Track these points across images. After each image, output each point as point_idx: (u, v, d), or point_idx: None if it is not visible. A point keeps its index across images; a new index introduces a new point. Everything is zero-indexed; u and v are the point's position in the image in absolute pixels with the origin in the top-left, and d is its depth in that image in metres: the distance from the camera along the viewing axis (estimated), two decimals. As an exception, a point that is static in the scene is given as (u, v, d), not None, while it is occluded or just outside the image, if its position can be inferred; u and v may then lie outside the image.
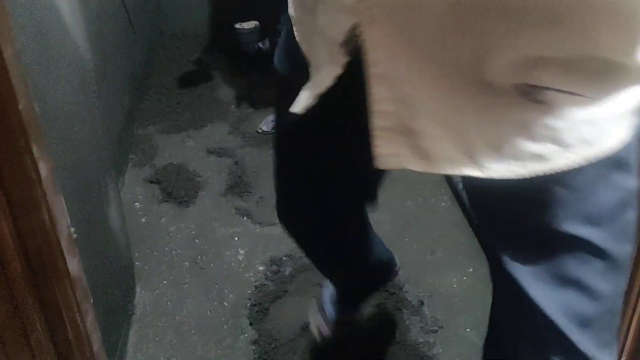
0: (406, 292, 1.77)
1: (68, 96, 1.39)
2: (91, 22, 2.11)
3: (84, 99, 1.47)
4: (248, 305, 1.75)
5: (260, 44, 3.33)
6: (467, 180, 0.80)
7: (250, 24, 3.37)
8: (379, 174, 1.22)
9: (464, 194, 2.01)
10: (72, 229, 0.76)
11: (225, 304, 1.77)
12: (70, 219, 0.78)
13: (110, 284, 1.53)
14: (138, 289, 1.82)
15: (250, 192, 2.24)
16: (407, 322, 1.66)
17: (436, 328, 1.64)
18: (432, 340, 1.61)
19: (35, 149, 0.66)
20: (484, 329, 1.63)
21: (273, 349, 1.58)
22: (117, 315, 1.58)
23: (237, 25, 3.39)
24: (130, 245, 1.84)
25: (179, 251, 1.98)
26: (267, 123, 2.63)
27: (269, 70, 3.01)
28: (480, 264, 1.87)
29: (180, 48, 3.48)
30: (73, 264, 0.73)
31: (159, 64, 3.30)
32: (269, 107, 2.83)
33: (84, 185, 1.41)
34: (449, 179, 2.20)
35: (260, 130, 2.61)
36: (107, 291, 1.49)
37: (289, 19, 0.93)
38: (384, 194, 2.19)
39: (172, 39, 3.57)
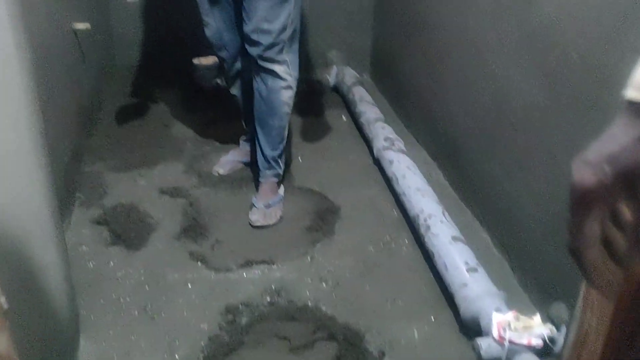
0: (367, 342, 1.70)
1: (9, 134, 1.30)
2: (37, 49, 2.01)
3: (21, 135, 1.37)
4: (200, 358, 1.64)
5: (218, 80, 3.27)
6: None
7: (209, 60, 3.31)
8: None
9: (425, 239, 1.98)
10: (3, 299, 0.67)
11: (176, 356, 1.66)
12: (3, 273, 0.69)
13: (51, 337, 1.41)
14: (82, 341, 1.70)
15: (205, 235, 2.15)
16: (368, 376, 1.59)
17: (399, 382, 1.58)
18: (394, 395, 1.54)
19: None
20: (448, 383, 1.59)
21: (227, 407, 1.49)
22: (56, 373, 1.45)
23: (195, 61, 3.33)
24: (75, 294, 1.71)
25: (128, 298, 1.87)
26: (222, 165, 2.55)
27: (227, 107, 2.97)
28: (441, 311, 1.82)
29: (133, 82, 3.38)
30: (2, 342, 0.64)
31: (110, 97, 3.20)
32: (227, 145, 2.76)
33: (21, 232, 1.31)
34: (410, 222, 2.16)
35: (216, 174, 2.53)
36: (45, 346, 1.37)
37: None
38: (345, 237, 2.15)
39: (125, 70, 3.47)
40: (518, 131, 1.86)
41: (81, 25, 2.52)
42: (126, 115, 3.05)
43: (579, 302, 0.91)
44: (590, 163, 0.52)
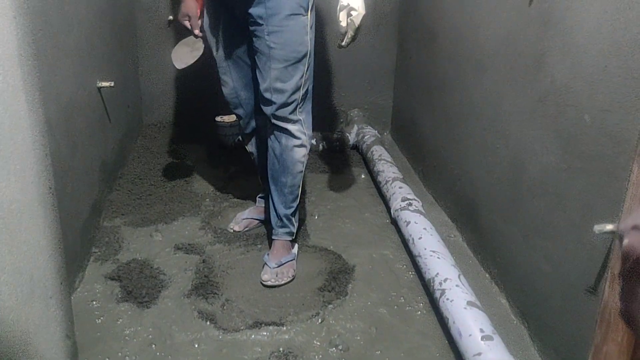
0: (376, 412, 1.62)
1: (16, 193, 1.31)
2: (62, 111, 2.06)
3: (36, 196, 1.39)
4: (202, 423, 1.59)
5: (239, 138, 3.31)
6: None
7: (231, 118, 3.37)
8: None
9: (440, 304, 1.91)
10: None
11: (177, 421, 1.61)
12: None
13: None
14: (83, 402, 1.66)
15: (216, 293, 2.12)
16: None
17: None
18: None
19: None
20: None
21: None
22: None
23: (218, 118, 3.39)
24: (78, 352, 1.69)
25: (133, 358, 1.83)
26: (238, 222, 2.54)
27: (247, 163, 2.99)
28: (456, 382, 1.74)
29: (157, 138, 3.44)
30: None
31: (133, 153, 3.25)
32: (245, 201, 2.76)
33: (27, 290, 1.30)
34: (425, 285, 2.10)
35: (231, 230, 2.52)
36: (42, 408, 1.34)
37: None
38: (358, 299, 2.10)
39: (150, 128, 3.55)
40: (535, 195, 1.82)
41: (105, 83, 2.59)
42: (149, 171, 3.08)
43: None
44: None
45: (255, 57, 2.08)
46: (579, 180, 1.58)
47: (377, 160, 3.01)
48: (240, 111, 2.32)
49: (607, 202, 1.46)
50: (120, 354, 1.85)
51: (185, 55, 2.41)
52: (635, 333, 0.55)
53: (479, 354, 1.66)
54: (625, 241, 0.51)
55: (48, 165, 1.48)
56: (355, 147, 3.37)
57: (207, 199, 2.83)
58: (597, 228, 1.43)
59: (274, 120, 2.12)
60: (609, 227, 1.41)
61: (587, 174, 1.54)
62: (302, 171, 2.23)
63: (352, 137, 3.40)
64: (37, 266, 1.37)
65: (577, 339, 1.60)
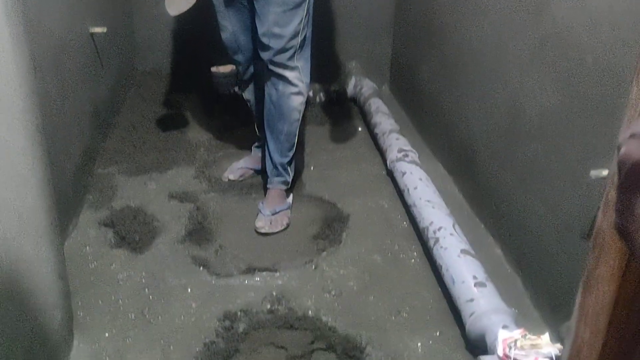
0: (367, 355, 1.63)
1: (2, 131, 1.28)
2: (51, 52, 2.02)
3: (23, 134, 1.36)
4: (194, 364, 1.60)
5: (235, 88, 3.26)
6: None
7: (227, 68, 3.31)
8: None
9: (434, 252, 1.91)
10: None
11: (170, 361, 1.62)
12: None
13: (38, 337, 1.38)
14: (75, 342, 1.67)
15: (209, 240, 2.11)
16: (365, 390, 1.52)
17: (396, 398, 1.51)
18: (391, 411, 1.47)
19: None
20: (448, 401, 1.52)
21: (216, 416, 1.43)
22: (43, 372, 1.42)
23: (213, 69, 3.33)
24: (70, 295, 1.69)
25: (126, 301, 1.83)
26: (233, 171, 2.52)
27: (242, 114, 2.95)
28: (447, 327, 1.75)
29: (151, 86, 3.39)
30: None
31: (127, 102, 3.20)
32: (240, 151, 2.74)
33: (15, 227, 1.28)
34: (420, 234, 2.09)
35: (226, 179, 2.50)
36: (32, 346, 1.34)
37: None
38: (352, 247, 2.09)
39: (144, 76, 3.49)
40: (533, 139, 1.79)
41: (98, 29, 2.53)
42: (143, 119, 3.04)
43: (574, 315, 0.84)
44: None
45: (254, 0, 2.03)
46: (578, 123, 1.55)
47: (374, 113, 2.97)
48: (239, 57, 2.27)
49: (605, 145, 1.43)
50: (113, 297, 1.85)
51: (179, 1, 2.34)
52: (630, 247, 0.53)
53: (472, 300, 1.67)
54: (622, 149, 0.49)
55: (35, 103, 1.45)
56: (353, 100, 3.32)
57: (201, 148, 2.80)
58: (594, 173, 1.41)
59: (271, 67, 2.08)
60: (605, 172, 1.39)
61: (586, 116, 1.51)
62: (298, 119, 2.19)
63: (349, 89, 3.35)
64: (25, 204, 1.35)
65: (571, 284, 1.60)
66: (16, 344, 1.26)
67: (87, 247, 2.08)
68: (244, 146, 2.75)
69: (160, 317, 1.77)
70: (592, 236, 0.77)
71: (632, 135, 0.49)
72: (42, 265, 1.44)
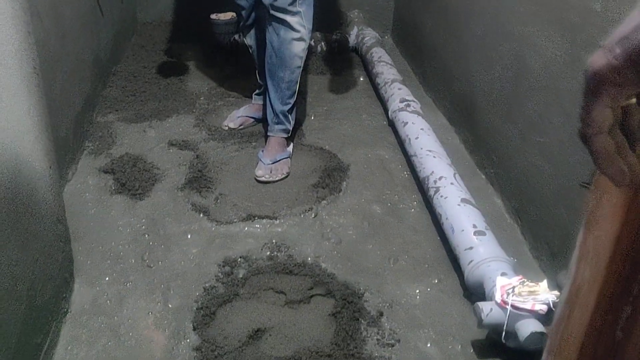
0: (365, 301, 1.64)
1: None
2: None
3: (19, 75, 1.33)
4: (194, 308, 1.61)
5: (236, 37, 3.21)
6: None
7: (227, 16, 3.25)
8: None
9: (434, 201, 1.91)
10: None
11: (170, 305, 1.63)
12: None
13: (39, 278, 1.39)
14: (76, 285, 1.68)
15: (209, 188, 2.11)
16: (363, 334, 1.54)
17: (394, 342, 1.52)
18: (388, 354, 1.48)
19: None
20: (445, 344, 1.54)
21: (215, 357, 1.45)
22: (45, 313, 1.43)
23: (213, 16, 3.27)
24: (71, 238, 1.69)
25: (126, 246, 1.84)
26: (233, 119, 2.50)
27: (242, 64, 2.91)
28: (446, 276, 1.76)
29: (152, 36, 3.34)
30: None
31: (128, 51, 3.16)
32: (240, 100, 2.71)
33: (12, 168, 1.27)
34: (420, 184, 2.09)
35: (226, 128, 2.48)
36: (33, 286, 1.35)
37: None
38: (352, 196, 2.09)
39: (145, 26, 3.44)
40: (536, 91, 1.77)
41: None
42: (143, 68, 3.01)
43: (574, 254, 0.84)
44: (605, 47, 0.50)
45: None
46: (581, 73, 1.52)
47: (376, 62, 2.92)
48: (241, 0, 2.22)
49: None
50: (113, 242, 1.86)
51: None
52: (592, 156, 0.55)
53: (471, 248, 1.67)
54: (590, 59, 0.51)
55: (31, 44, 1.42)
56: (355, 49, 3.27)
57: (201, 97, 2.77)
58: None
59: (272, 11, 2.03)
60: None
61: (591, 65, 1.48)
62: (300, 66, 2.16)
63: (351, 39, 3.30)
64: (22, 146, 1.34)
65: (569, 232, 1.60)
66: (18, 284, 1.26)
67: (87, 194, 2.08)
68: (244, 95, 2.72)
69: (160, 263, 1.78)
70: (595, 177, 0.76)
71: (603, 47, 0.49)
72: (40, 208, 1.44)
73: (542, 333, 1.39)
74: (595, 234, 0.77)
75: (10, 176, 1.26)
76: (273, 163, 2.16)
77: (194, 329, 1.55)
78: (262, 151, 2.22)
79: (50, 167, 1.51)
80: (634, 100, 0.54)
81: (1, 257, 1.19)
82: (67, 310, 1.59)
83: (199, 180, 2.13)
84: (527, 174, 1.84)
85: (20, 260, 1.28)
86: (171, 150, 2.34)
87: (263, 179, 2.13)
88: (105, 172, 2.19)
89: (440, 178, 1.95)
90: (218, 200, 2.05)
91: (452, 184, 1.92)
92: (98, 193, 2.08)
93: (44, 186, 1.46)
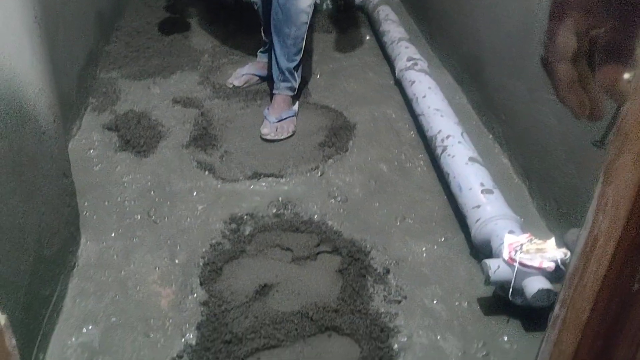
0: (372, 258, 1.64)
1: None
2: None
3: (20, 24, 1.31)
4: (201, 264, 1.62)
5: (240, -7, 3.14)
6: None
7: (230, -29, 3.18)
8: None
9: (441, 160, 1.89)
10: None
11: (176, 261, 1.64)
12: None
13: (46, 230, 1.39)
14: (83, 240, 1.68)
15: (214, 145, 2.09)
16: (370, 291, 1.54)
17: (400, 298, 1.53)
18: (395, 311, 1.49)
19: None
20: (451, 301, 1.54)
21: (223, 311, 1.46)
22: (52, 265, 1.44)
23: (216, -29, 3.20)
24: (76, 193, 1.68)
25: (132, 202, 1.84)
26: (238, 77, 2.46)
27: (247, 21, 2.86)
28: (453, 233, 1.75)
29: (156, -9, 3.27)
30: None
31: (131, 7, 3.11)
32: (244, 58, 2.67)
33: (17, 120, 1.26)
34: (427, 143, 2.07)
35: (230, 85, 2.45)
36: (40, 238, 1.35)
37: None
38: (358, 155, 2.07)
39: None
40: (548, 47, 1.73)
41: None
42: (147, 25, 2.96)
43: (592, 205, 0.82)
44: None
45: None
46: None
47: (383, 21, 2.87)
48: None
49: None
50: (119, 198, 1.85)
51: None
52: (552, 83, 0.54)
53: (478, 206, 1.66)
54: None
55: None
56: (361, 8, 3.21)
57: (205, 55, 2.73)
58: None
59: None
60: (626, 76, 1.35)
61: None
62: (306, 22, 2.12)
63: (358, -3, 3.23)
64: (26, 98, 1.32)
65: (579, 190, 1.59)
66: (26, 235, 1.26)
67: (92, 150, 2.06)
68: (249, 52, 2.68)
69: (166, 219, 1.78)
70: (617, 124, 0.74)
71: None
72: (46, 162, 1.42)
73: (549, 290, 1.39)
74: (615, 184, 0.76)
75: (14, 128, 1.24)
76: (279, 121, 2.14)
77: (201, 284, 1.55)
78: (268, 109, 2.19)
79: (54, 120, 1.49)
80: (602, 30, 0.51)
81: (8, 208, 1.19)
82: (75, 264, 1.60)
83: (203, 137, 2.12)
84: (536, 132, 1.82)
85: (27, 212, 1.28)
86: (175, 108, 2.32)
87: (268, 137, 2.11)
88: (110, 128, 2.17)
89: (447, 137, 1.93)
90: (223, 158, 2.03)
91: (459, 142, 1.90)
92: (103, 149, 2.07)
93: (48, 139, 1.44)
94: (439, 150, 1.92)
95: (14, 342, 0.81)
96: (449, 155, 1.86)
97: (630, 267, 0.75)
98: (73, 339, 1.41)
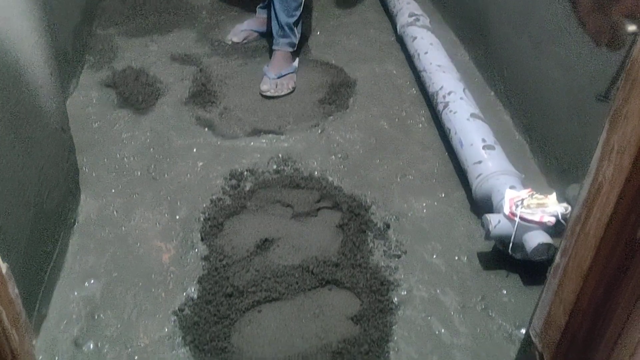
0: (372, 214, 1.64)
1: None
2: None
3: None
4: (201, 219, 1.62)
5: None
6: None
7: None
8: None
9: (442, 116, 1.87)
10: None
11: (177, 217, 1.63)
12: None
13: (45, 185, 1.38)
14: (83, 197, 1.68)
15: (214, 102, 2.07)
16: (370, 245, 1.55)
17: (400, 253, 1.53)
18: (394, 265, 1.50)
19: None
20: (451, 256, 1.54)
21: (224, 266, 1.46)
22: (53, 221, 1.43)
23: None
24: (76, 149, 1.67)
25: (132, 159, 1.83)
26: (236, 33, 2.42)
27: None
28: (453, 189, 1.75)
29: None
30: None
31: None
32: (243, 14, 2.62)
33: (13, 72, 1.24)
34: (429, 100, 2.05)
35: (229, 42, 2.41)
36: (40, 192, 1.34)
37: None
38: (359, 112, 2.06)
39: None
40: (552, 0, 1.70)
41: None
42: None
43: (596, 153, 0.82)
44: None
45: None
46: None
47: (384, -24, 2.81)
48: None
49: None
50: (118, 155, 1.84)
51: None
52: (573, 4, 0.52)
53: (479, 162, 1.65)
54: None
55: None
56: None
57: (203, 11, 2.68)
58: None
59: None
60: (632, 27, 1.32)
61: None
62: (305, -24, 2.08)
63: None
64: (21, 50, 1.30)
65: (581, 146, 1.58)
66: (26, 189, 1.26)
67: (90, 107, 2.04)
68: (248, 8, 2.63)
69: (166, 175, 1.77)
70: (625, 70, 0.73)
71: None
72: (43, 116, 1.41)
73: (549, 244, 1.40)
74: (621, 131, 0.75)
75: (11, 80, 1.23)
76: (278, 77, 2.12)
77: (202, 240, 1.56)
78: (267, 65, 2.17)
79: (51, 73, 1.47)
80: None
81: (7, 161, 1.18)
82: (75, 220, 1.60)
83: (202, 94, 2.09)
84: (539, 88, 1.80)
85: (26, 166, 1.27)
86: (174, 65, 2.29)
87: (268, 93, 2.08)
88: (108, 85, 2.14)
89: (449, 93, 1.91)
90: (223, 115, 2.02)
91: (461, 98, 1.88)
92: (101, 107, 2.05)
93: (45, 93, 1.42)
94: (440, 107, 1.91)
95: (16, 290, 0.82)
96: (450, 111, 1.85)
97: (635, 213, 0.74)
98: (75, 293, 1.42)
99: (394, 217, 1.64)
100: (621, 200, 0.74)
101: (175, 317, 1.37)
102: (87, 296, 1.41)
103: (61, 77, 1.90)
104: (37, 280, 1.32)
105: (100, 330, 1.34)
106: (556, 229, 1.43)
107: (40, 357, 1.27)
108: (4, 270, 0.79)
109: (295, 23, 2.15)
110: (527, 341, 1.04)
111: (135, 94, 2.08)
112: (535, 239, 1.41)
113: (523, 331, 1.34)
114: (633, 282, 0.80)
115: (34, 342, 0.88)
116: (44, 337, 1.32)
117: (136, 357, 1.29)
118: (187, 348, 1.31)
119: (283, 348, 1.30)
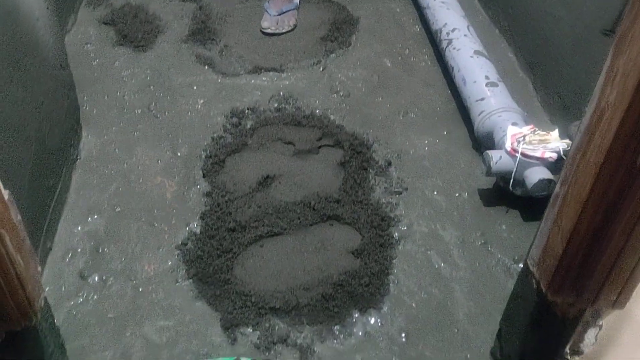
0: (374, 151, 1.64)
1: None
2: None
3: None
4: (203, 156, 1.62)
5: None
6: None
7: None
8: None
9: (446, 53, 1.85)
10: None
11: (179, 154, 1.64)
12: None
13: (46, 120, 1.38)
14: (84, 134, 1.68)
15: (214, 39, 2.04)
16: (371, 182, 1.55)
17: (401, 189, 1.54)
18: (395, 201, 1.51)
19: None
20: (451, 192, 1.55)
21: (226, 202, 1.47)
22: (55, 157, 1.44)
23: None
24: (76, 87, 1.66)
25: (132, 96, 1.82)
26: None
27: None
28: (455, 127, 1.74)
29: None
30: None
31: None
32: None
33: (8, 3, 1.21)
34: (432, 38, 2.02)
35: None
36: (41, 127, 1.34)
37: None
38: (362, 50, 2.03)
39: None
40: None
41: None
42: None
43: (600, 79, 0.81)
44: None
45: None
46: None
47: None
48: None
49: None
50: (119, 93, 1.83)
51: None
52: None
53: (482, 99, 1.64)
54: None
55: None
56: None
57: (202, -53, 2.61)
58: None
59: None
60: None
61: None
62: None
63: None
64: (18, -19, 1.27)
65: (583, 84, 1.56)
66: (26, 123, 1.25)
67: (89, 45, 2.02)
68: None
69: (167, 113, 1.76)
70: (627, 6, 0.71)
71: None
72: (41, 50, 1.39)
73: (550, 180, 1.40)
74: (627, 55, 0.74)
75: (6, 13, 1.20)
76: (279, 14, 2.08)
77: (204, 176, 1.56)
78: (268, 2, 2.12)
79: (47, 7, 1.44)
80: None
81: (6, 95, 1.17)
82: (77, 157, 1.60)
83: (202, 32, 2.06)
84: (544, 24, 1.77)
85: (26, 101, 1.26)
86: (173, 2, 2.24)
87: (269, 30, 2.05)
88: (106, 23, 2.11)
89: (453, 30, 1.88)
90: (223, 52, 1.99)
91: (465, 35, 1.85)
92: (100, 44, 2.02)
93: (42, 27, 1.40)
94: (444, 44, 1.88)
95: (19, 216, 0.83)
96: (454, 48, 1.82)
97: (635, 139, 0.74)
98: (79, 228, 1.44)
99: (396, 154, 1.64)
100: (623, 126, 0.73)
101: (179, 251, 1.39)
102: (91, 231, 1.43)
103: (58, 12, 1.87)
104: (41, 216, 1.34)
105: (105, 263, 1.37)
106: (557, 166, 1.43)
107: (47, 288, 1.29)
108: (6, 197, 0.79)
109: (296, -43, 2.09)
110: (524, 272, 1.06)
111: (135, 31, 2.05)
112: (536, 174, 1.41)
113: (521, 265, 1.36)
114: (631, 209, 0.81)
115: (39, 268, 0.90)
116: (50, 270, 1.34)
117: (140, 289, 1.32)
118: (191, 280, 1.33)
119: (285, 280, 1.32)
